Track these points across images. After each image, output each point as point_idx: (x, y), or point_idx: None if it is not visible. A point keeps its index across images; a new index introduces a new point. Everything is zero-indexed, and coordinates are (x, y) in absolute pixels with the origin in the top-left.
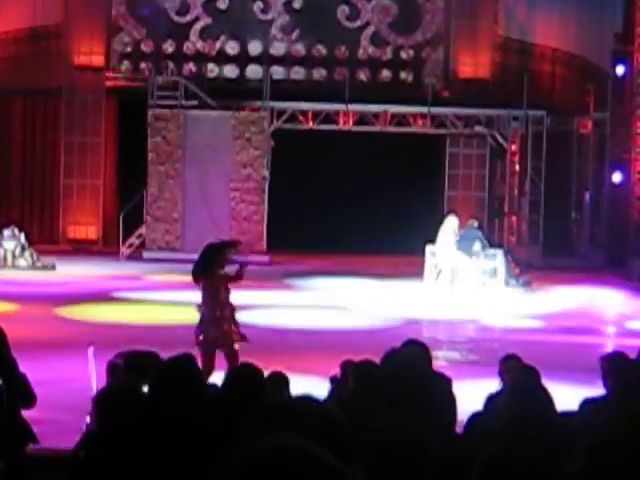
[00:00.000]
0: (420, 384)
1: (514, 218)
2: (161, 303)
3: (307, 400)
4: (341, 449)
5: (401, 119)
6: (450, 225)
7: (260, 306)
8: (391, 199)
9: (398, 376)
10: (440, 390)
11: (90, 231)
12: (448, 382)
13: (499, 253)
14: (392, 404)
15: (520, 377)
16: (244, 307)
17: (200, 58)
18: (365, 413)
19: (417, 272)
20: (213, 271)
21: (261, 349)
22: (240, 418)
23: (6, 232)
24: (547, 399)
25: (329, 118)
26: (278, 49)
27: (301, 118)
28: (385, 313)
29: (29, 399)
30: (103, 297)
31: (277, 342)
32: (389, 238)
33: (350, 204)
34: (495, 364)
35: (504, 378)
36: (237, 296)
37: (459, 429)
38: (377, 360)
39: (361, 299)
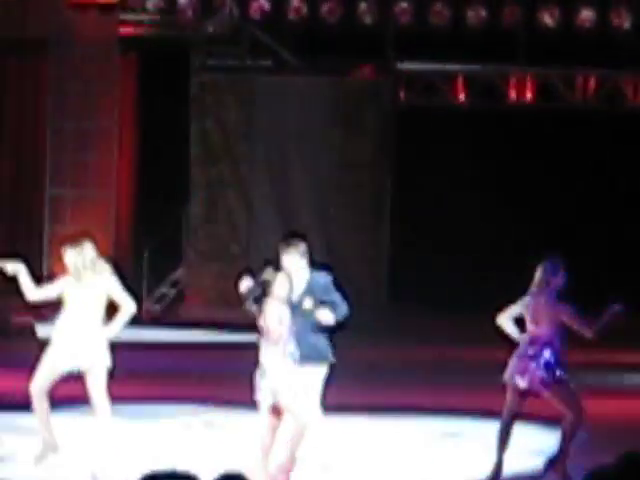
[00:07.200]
0: None
1: None
2: None
3: None
4: None
5: (612, 89)
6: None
7: None
8: (605, 229)
9: None
10: None
11: None
12: None
13: None
14: None
15: None
16: None
17: None
18: None
19: None
20: None
21: None
22: None
23: None
24: None
25: (492, 87)
26: None
27: (445, 88)
28: None
29: None
30: None
31: None
32: (597, 294)
33: (529, 233)
34: None
35: None
36: None
37: None
38: None
39: None
